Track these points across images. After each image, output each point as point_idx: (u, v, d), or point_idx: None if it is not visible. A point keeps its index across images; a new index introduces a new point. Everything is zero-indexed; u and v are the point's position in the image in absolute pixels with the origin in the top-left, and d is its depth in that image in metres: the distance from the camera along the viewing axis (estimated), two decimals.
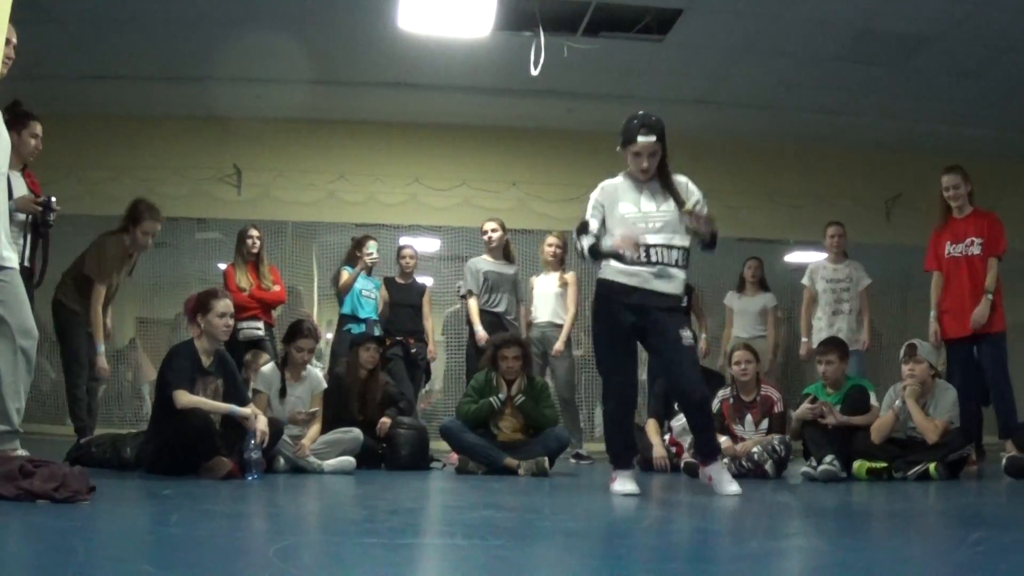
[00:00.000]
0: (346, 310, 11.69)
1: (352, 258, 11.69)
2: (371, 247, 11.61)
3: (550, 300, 11.47)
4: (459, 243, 14.69)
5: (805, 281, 11.60)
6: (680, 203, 6.80)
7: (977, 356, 9.60)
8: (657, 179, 6.90)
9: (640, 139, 6.77)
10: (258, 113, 14.28)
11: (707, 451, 7.11)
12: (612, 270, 6.80)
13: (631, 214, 6.79)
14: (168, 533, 4.50)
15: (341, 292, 11.71)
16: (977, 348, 9.58)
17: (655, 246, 6.75)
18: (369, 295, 11.70)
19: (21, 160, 8.44)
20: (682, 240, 6.88)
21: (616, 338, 6.89)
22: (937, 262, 9.79)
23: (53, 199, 8.38)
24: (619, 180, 6.96)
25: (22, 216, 8.15)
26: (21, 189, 8.17)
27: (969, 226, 9.57)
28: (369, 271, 11.71)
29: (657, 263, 6.74)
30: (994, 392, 9.42)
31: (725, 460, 8.16)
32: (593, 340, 7.13)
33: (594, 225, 6.84)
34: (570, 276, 11.50)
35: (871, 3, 10.81)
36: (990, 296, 9.39)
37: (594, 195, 6.96)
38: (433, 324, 12.14)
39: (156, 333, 15.10)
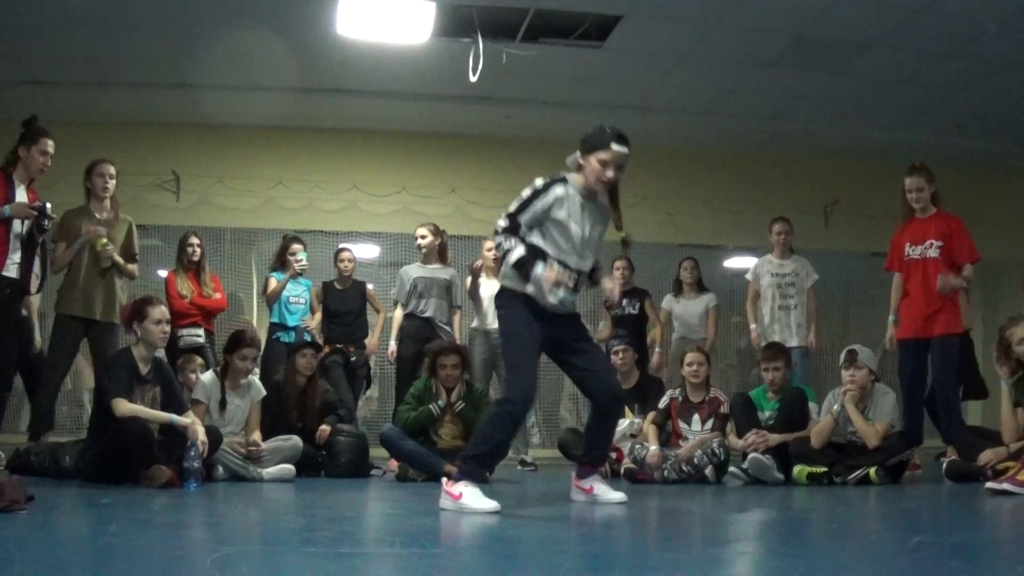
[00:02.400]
0: (274, 318, 11.72)
1: (281, 262, 11.66)
2: (299, 253, 11.62)
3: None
4: (398, 249, 14.64)
5: (748, 277, 11.55)
6: (618, 226, 6.63)
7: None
8: (594, 199, 6.52)
9: (615, 147, 6.39)
10: (196, 118, 14.19)
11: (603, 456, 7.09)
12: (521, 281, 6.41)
13: (577, 236, 6.41)
14: (106, 543, 4.47)
15: (268, 301, 11.72)
16: (928, 349, 9.48)
17: (583, 273, 6.54)
18: (298, 301, 11.70)
19: (28, 175, 8.52)
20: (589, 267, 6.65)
21: (535, 341, 6.48)
22: (898, 262, 9.72)
23: (48, 205, 8.49)
24: (572, 192, 6.45)
25: (18, 227, 8.20)
26: (22, 199, 8.28)
27: (930, 228, 9.46)
28: (298, 276, 11.68)
29: (573, 290, 6.50)
30: (939, 395, 9.39)
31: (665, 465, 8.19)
32: (513, 338, 6.53)
33: (524, 231, 6.40)
34: None
35: (808, 10, 10.87)
36: (965, 287, 9.46)
37: (555, 193, 6.38)
38: (383, 318, 12.10)
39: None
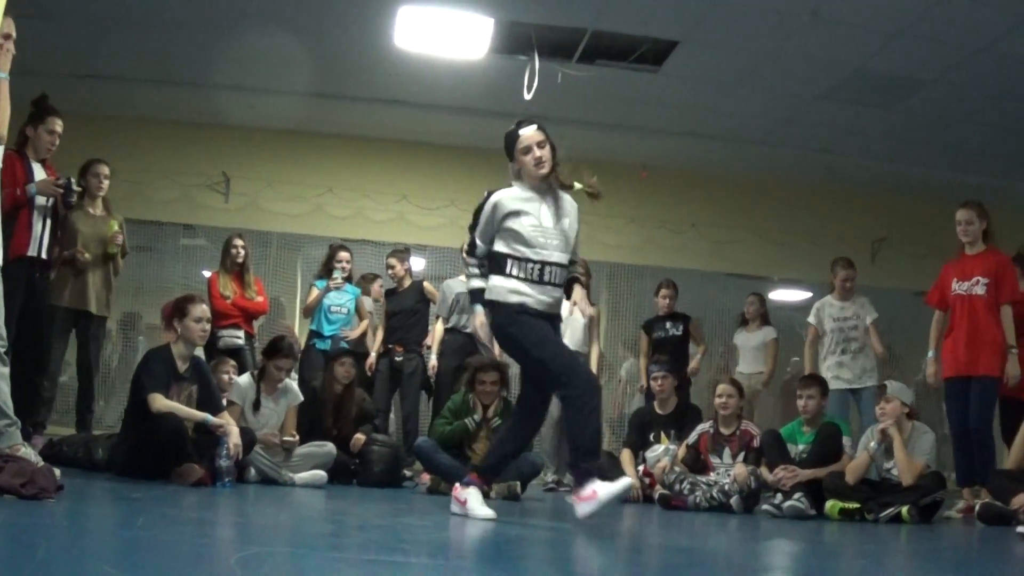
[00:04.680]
0: (313, 325, 11.78)
1: (327, 270, 11.70)
2: (340, 263, 11.71)
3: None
4: (444, 263, 14.68)
5: (811, 319, 11.32)
6: (574, 182, 6.60)
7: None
8: (551, 194, 6.53)
9: (523, 132, 6.45)
10: (249, 121, 14.30)
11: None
12: (502, 290, 6.41)
13: (531, 227, 6.42)
14: (131, 536, 4.47)
15: (306, 312, 11.79)
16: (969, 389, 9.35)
17: (550, 264, 6.45)
18: (339, 310, 11.74)
19: (38, 154, 8.56)
20: (565, 259, 6.58)
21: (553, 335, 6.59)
22: (939, 296, 9.66)
23: (72, 180, 8.51)
24: (515, 190, 6.54)
25: (42, 200, 8.24)
26: (41, 176, 8.30)
27: (977, 265, 9.37)
28: (343, 284, 11.74)
29: (549, 283, 6.44)
30: (975, 436, 9.27)
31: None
32: (538, 344, 6.42)
33: (480, 249, 6.58)
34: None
35: (866, 44, 10.85)
36: (1014, 349, 9.21)
37: (492, 201, 6.54)
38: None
39: (136, 336, 15.06)
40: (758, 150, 14.34)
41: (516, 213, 6.42)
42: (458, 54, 11.63)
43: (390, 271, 11.94)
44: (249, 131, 14.54)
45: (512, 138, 6.53)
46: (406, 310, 11.79)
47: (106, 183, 9.72)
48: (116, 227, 9.61)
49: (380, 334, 11.86)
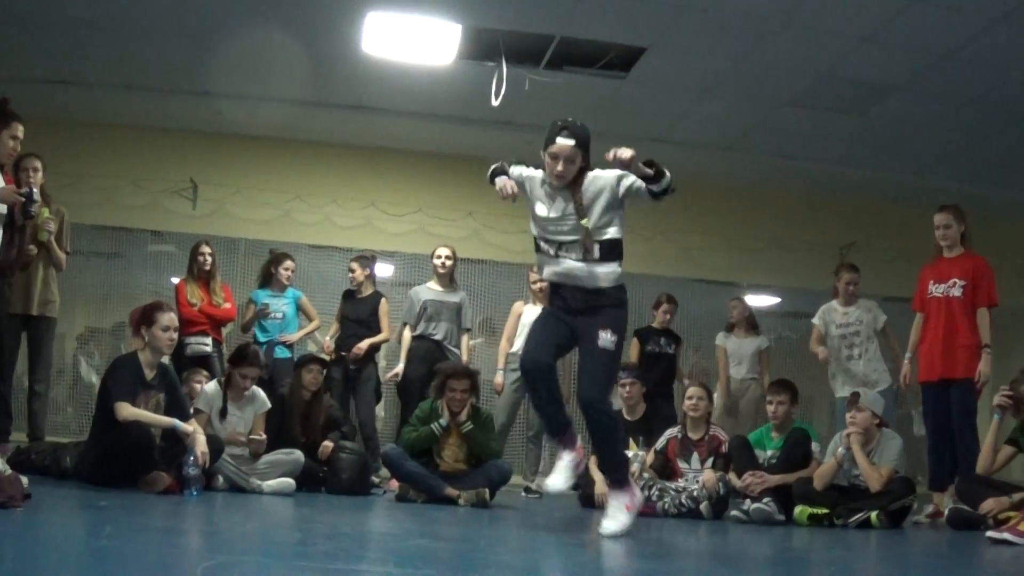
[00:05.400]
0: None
1: (266, 278, 11.75)
2: (288, 271, 11.83)
3: None
4: (412, 270, 14.64)
5: (816, 321, 11.18)
6: (581, 216, 6.45)
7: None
8: (569, 189, 6.51)
9: (559, 140, 6.39)
10: (217, 128, 14.26)
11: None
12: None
13: (543, 214, 6.56)
14: (99, 545, 4.46)
15: (244, 328, 11.89)
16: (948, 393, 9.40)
17: (567, 243, 6.51)
18: (275, 316, 11.74)
19: None
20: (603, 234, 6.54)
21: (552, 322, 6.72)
22: (922, 302, 9.70)
23: (35, 190, 8.42)
24: (540, 174, 6.65)
25: (3, 209, 8.17)
26: (1, 183, 8.21)
27: (955, 267, 9.44)
28: (283, 288, 11.80)
29: (567, 258, 6.52)
30: (958, 441, 9.28)
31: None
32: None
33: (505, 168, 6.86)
34: None
35: (835, 50, 10.87)
36: (988, 350, 9.24)
37: (520, 169, 6.81)
38: (385, 336, 11.98)
39: (104, 343, 14.99)
40: (726, 156, 14.35)
41: (532, 194, 6.74)
42: (426, 60, 11.59)
43: (350, 274, 11.90)
44: (217, 137, 14.49)
45: (550, 137, 6.47)
46: (361, 320, 11.75)
47: (37, 176, 9.28)
48: (47, 214, 9.44)
49: (334, 327, 11.92)
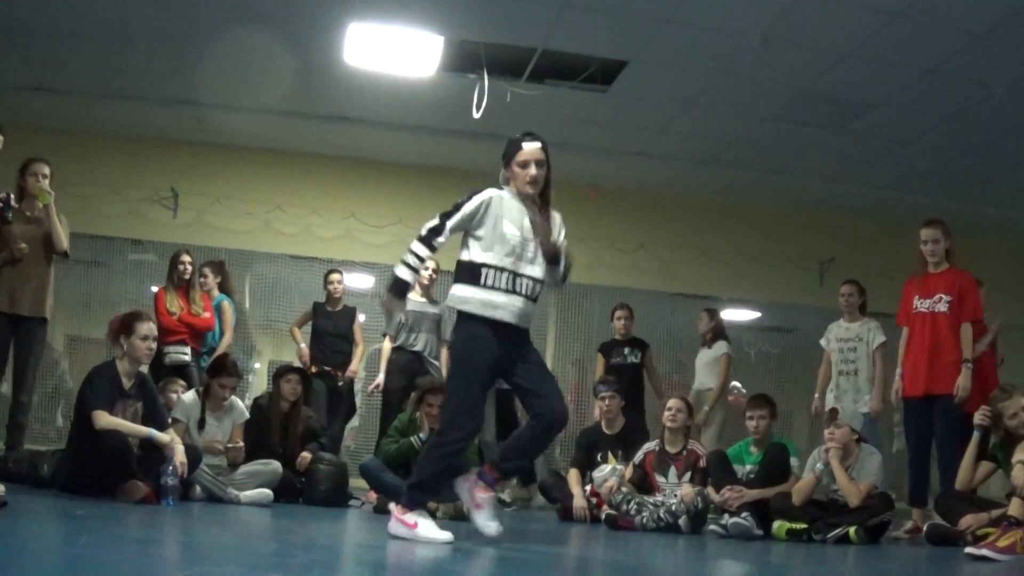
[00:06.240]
0: None
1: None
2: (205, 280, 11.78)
3: None
4: None
5: (822, 342, 11.17)
6: (549, 236, 6.49)
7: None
8: (535, 208, 6.48)
9: (526, 145, 6.45)
10: (198, 137, 14.26)
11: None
12: (477, 303, 6.37)
13: (513, 236, 6.40)
14: (74, 554, 4.45)
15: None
16: (931, 409, 9.36)
17: (526, 277, 6.43)
18: None
19: None
20: (541, 273, 6.56)
21: (488, 371, 6.48)
22: (906, 317, 9.66)
23: (12, 196, 8.37)
24: (506, 194, 6.52)
25: None
26: None
27: (941, 283, 9.39)
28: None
29: (524, 295, 6.42)
30: (940, 457, 9.27)
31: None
32: (459, 376, 6.50)
33: (445, 236, 6.57)
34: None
35: (816, 65, 10.90)
36: (969, 364, 9.16)
37: (482, 197, 6.48)
38: (363, 350, 12.11)
39: (85, 352, 14.95)
40: (707, 170, 14.38)
41: (499, 218, 6.41)
42: (408, 72, 11.60)
43: (333, 286, 11.89)
44: (198, 147, 14.49)
45: (515, 147, 6.51)
46: (342, 334, 11.84)
47: (45, 183, 9.20)
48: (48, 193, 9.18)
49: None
